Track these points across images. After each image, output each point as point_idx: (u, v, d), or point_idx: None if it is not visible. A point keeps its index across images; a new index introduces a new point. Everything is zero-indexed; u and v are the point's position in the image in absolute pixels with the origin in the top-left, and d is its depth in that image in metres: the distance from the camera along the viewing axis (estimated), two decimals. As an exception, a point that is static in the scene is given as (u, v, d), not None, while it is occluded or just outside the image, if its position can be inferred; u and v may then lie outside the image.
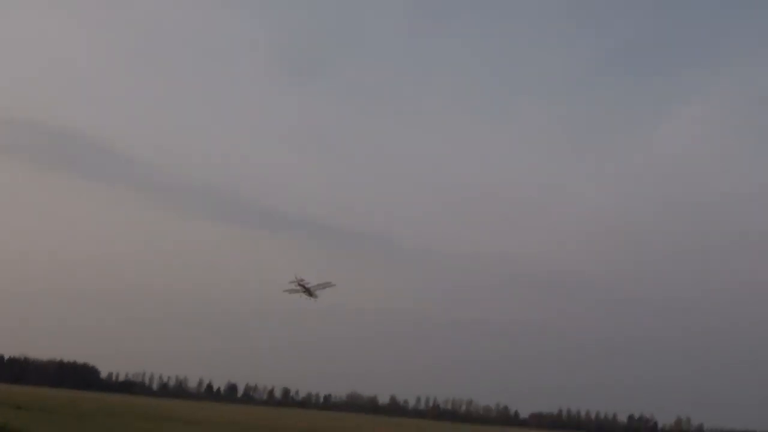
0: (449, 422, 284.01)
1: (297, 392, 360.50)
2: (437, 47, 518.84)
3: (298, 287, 51.48)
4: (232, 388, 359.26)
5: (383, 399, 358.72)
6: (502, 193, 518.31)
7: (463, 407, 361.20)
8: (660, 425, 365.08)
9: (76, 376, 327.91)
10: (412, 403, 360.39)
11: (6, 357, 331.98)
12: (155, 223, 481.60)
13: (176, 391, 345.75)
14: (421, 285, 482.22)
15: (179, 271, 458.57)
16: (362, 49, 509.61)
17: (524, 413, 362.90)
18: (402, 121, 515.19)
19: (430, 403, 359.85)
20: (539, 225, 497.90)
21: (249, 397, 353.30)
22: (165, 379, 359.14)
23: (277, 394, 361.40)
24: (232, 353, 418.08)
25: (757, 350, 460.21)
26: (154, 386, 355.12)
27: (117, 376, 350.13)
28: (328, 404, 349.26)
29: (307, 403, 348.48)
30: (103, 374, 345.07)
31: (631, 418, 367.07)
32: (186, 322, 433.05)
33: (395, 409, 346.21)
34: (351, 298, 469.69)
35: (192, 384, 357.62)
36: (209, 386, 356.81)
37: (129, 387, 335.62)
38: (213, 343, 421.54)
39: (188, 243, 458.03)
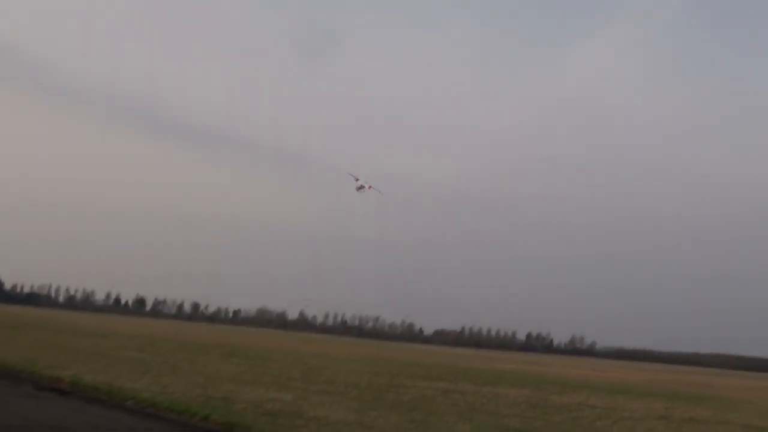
0: (356, 338, 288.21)
1: (206, 307, 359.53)
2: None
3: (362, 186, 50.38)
4: (140, 301, 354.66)
5: (292, 315, 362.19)
6: (416, 114, 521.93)
7: (370, 324, 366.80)
8: (555, 343, 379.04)
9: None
10: (320, 319, 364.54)
11: None
12: (69, 136, 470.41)
13: (83, 304, 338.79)
14: (332, 204, 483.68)
15: (93, 187, 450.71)
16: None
17: (428, 330, 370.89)
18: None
19: (338, 320, 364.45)
20: (450, 147, 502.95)
21: (157, 311, 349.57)
22: (71, 292, 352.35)
23: (187, 308, 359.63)
24: (142, 269, 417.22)
25: (648, 276, 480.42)
26: (60, 299, 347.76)
27: (22, 287, 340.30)
28: (236, 319, 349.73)
29: (216, 317, 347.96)
30: (8, 286, 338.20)
31: (528, 335, 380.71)
32: (95, 236, 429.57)
33: (303, 324, 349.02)
34: (264, 215, 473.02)
35: (99, 297, 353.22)
36: (117, 299, 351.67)
37: (34, 299, 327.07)
38: (122, 257, 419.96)
39: (100, 157, 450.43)
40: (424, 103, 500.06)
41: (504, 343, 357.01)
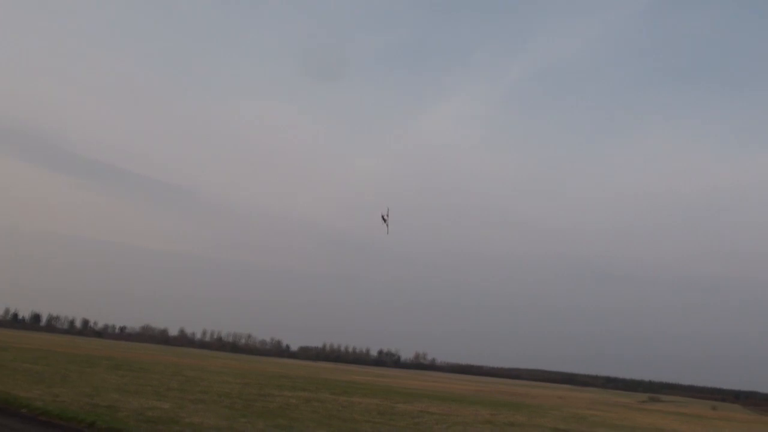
0: (230, 353, 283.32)
1: (95, 323, 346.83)
2: None
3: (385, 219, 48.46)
4: (35, 317, 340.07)
5: (173, 331, 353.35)
6: (296, 159, 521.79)
7: (243, 340, 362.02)
8: (403, 358, 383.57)
9: None
10: (198, 335, 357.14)
11: None
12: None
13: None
14: (212, 231, 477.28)
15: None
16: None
17: (294, 346, 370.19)
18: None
19: (215, 336, 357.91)
20: (321, 187, 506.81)
21: (51, 327, 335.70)
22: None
23: (78, 324, 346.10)
24: (37, 286, 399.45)
25: (479, 302, 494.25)
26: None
27: None
28: (123, 334, 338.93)
29: (104, 333, 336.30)
30: None
31: (380, 352, 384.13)
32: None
33: (183, 340, 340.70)
34: (146, 239, 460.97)
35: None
36: (14, 315, 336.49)
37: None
38: (19, 274, 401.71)
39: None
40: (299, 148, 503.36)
41: (359, 359, 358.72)
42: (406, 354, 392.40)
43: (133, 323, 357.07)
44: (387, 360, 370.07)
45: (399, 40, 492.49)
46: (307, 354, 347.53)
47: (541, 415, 47.17)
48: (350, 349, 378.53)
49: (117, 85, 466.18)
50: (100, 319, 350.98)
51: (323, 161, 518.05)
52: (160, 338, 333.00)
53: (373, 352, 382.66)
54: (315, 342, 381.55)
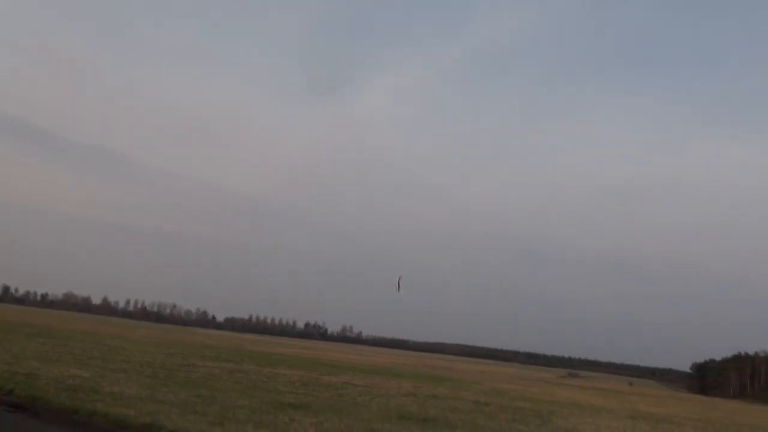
0: (155, 323, 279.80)
1: (16, 289, 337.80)
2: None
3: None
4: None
5: (96, 300, 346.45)
6: (227, 129, 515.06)
7: (168, 310, 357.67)
8: (329, 331, 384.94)
9: None
10: (122, 305, 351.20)
11: None
12: None
13: None
14: (138, 199, 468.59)
15: None
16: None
17: (220, 317, 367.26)
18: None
19: (139, 305, 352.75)
20: (255, 159, 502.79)
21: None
22: None
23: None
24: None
25: (405, 277, 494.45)
26: None
27: None
28: (45, 302, 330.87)
29: (26, 300, 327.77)
30: None
31: (307, 324, 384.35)
32: None
33: (107, 309, 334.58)
34: (69, 205, 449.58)
35: None
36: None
37: None
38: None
39: None
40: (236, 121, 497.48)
41: (285, 331, 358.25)
42: (333, 327, 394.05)
43: (56, 290, 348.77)
44: (313, 333, 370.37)
45: (334, 12, 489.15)
46: (233, 325, 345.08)
47: (463, 388, 47.85)
48: (276, 321, 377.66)
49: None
50: (21, 285, 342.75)
51: (255, 132, 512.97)
52: (83, 306, 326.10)
53: (300, 325, 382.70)
54: (241, 313, 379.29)
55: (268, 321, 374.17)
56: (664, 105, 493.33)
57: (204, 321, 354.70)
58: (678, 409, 65.24)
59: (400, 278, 47.65)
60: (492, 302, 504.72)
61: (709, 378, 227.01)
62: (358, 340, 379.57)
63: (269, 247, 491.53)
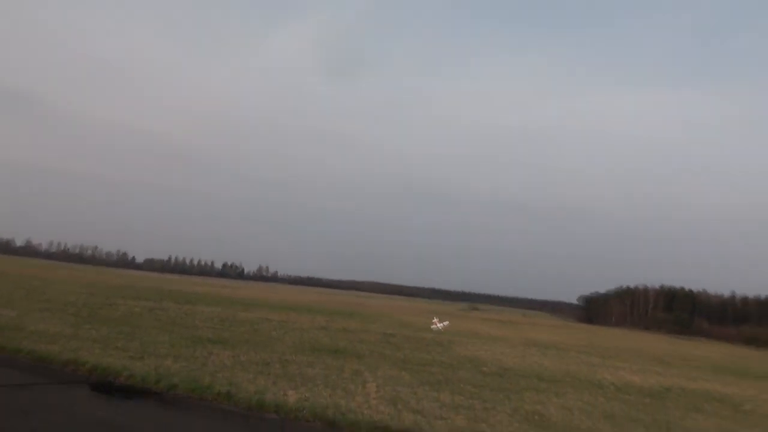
0: (77, 264, 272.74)
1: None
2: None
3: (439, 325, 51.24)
4: None
5: (19, 242, 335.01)
6: (144, 73, 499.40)
7: (89, 252, 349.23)
8: (246, 271, 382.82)
9: None
10: (44, 246, 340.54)
11: None
12: None
13: None
14: (56, 141, 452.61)
15: None
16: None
17: (140, 258, 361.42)
18: None
19: (61, 247, 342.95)
20: (172, 102, 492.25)
21: None
22: None
23: None
24: None
25: (319, 218, 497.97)
26: None
27: None
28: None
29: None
30: None
31: (224, 264, 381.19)
32: None
33: (29, 251, 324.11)
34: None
35: None
36: None
37: None
38: None
39: None
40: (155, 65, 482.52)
41: (203, 271, 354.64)
42: (250, 267, 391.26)
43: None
44: (231, 272, 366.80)
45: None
46: (152, 266, 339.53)
47: (372, 322, 48.74)
48: (195, 262, 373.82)
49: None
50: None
51: (175, 76, 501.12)
52: (6, 248, 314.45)
53: (218, 265, 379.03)
54: (161, 255, 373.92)
55: (187, 262, 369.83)
56: (562, 57, 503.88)
57: (124, 262, 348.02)
58: (566, 337, 68.38)
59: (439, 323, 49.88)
60: (394, 241, 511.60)
61: (595, 309, 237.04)
62: (274, 279, 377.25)
63: (187, 190, 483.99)
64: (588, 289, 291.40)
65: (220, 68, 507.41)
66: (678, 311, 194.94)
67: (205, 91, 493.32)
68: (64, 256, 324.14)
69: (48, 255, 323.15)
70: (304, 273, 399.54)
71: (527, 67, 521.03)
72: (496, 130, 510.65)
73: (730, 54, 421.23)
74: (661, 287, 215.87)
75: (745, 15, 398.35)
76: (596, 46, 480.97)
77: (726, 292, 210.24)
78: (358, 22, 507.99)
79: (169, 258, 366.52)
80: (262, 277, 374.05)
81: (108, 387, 12.83)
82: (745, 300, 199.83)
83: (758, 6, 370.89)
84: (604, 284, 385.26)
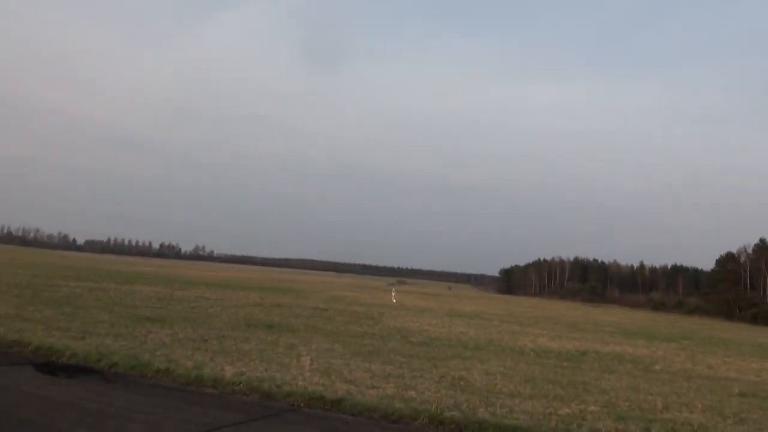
0: (20, 246, 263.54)
1: None
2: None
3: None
4: None
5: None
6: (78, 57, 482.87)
7: (32, 234, 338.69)
8: (183, 251, 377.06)
9: None
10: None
11: None
12: None
13: None
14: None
15: None
16: None
17: (80, 240, 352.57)
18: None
19: (4, 230, 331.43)
20: (108, 87, 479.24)
21: None
22: None
23: None
24: None
25: (250, 197, 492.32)
26: None
27: None
28: None
29: None
30: None
31: (162, 245, 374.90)
32: None
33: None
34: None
35: None
36: None
37: None
38: None
39: None
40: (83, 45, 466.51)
41: (142, 251, 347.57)
42: (187, 246, 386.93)
43: None
44: (168, 252, 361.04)
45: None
46: (92, 247, 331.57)
47: (305, 297, 48.91)
48: (134, 243, 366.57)
49: None
50: None
51: (110, 59, 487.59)
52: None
53: (155, 245, 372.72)
54: (100, 236, 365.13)
55: (126, 243, 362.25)
56: (485, 51, 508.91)
57: (66, 244, 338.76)
58: (488, 307, 69.90)
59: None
60: (330, 220, 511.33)
61: (515, 280, 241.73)
62: (210, 258, 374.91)
63: (124, 173, 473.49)
64: (508, 263, 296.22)
65: (155, 51, 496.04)
66: (591, 281, 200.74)
67: (144, 77, 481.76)
68: (8, 239, 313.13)
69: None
70: (239, 252, 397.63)
71: (452, 58, 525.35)
72: (419, 116, 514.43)
73: (634, 51, 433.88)
74: (575, 259, 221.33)
75: (649, 14, 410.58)
76: (517, 40, 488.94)
77: (635, 263, 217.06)
78: (297, 11, 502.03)
79: (109, 239, 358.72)
80: (198, 256, 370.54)
81: (52, 367, 12.75)
82: (653, 269, 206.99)
83: (662, 6, 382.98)
84: (523, 258, 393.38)
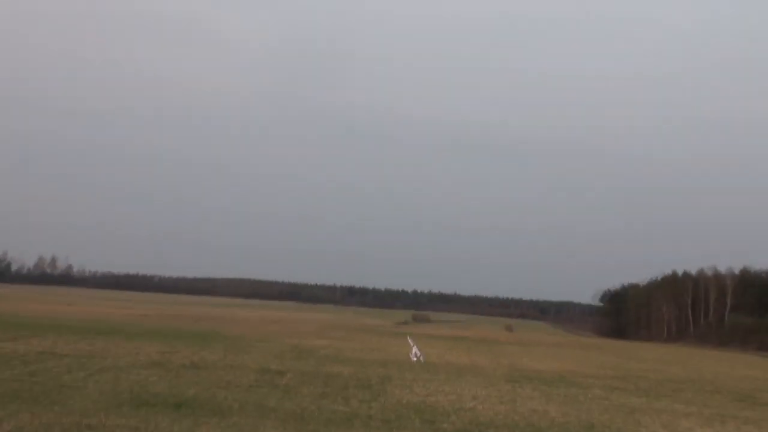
0: None
1: None
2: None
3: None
4: None
5: None
6: None
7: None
8: (17, 268, 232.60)
9: None
10: None
11: None
12: None
13: None
14: None
15: None
16: None
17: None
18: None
19: None
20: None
21: None
22: None
23: None
24: None
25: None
26: None
27: None
28: None
29: None
30: None
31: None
32: None
33: None
34: None
35: None
36: None
37: None
38: None
39: None
40: None
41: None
42: (25, 261, 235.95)
43: None
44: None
45: None
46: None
47: (244, 349, 30.39)
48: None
49: None
50: None
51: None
52: None
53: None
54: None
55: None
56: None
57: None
58: (581, 363, 41.42)
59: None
60: (286, 211, 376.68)
61: (627, 313, 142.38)
62: (66, 279, 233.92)
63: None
64: (613, 283, 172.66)
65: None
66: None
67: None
68: None
69: None
70: (120, 269, 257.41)
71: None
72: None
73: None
74: (743, 271, 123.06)
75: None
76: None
77: None
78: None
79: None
80: (45, 276, 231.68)
81: None
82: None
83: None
84: (637, 273, 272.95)
